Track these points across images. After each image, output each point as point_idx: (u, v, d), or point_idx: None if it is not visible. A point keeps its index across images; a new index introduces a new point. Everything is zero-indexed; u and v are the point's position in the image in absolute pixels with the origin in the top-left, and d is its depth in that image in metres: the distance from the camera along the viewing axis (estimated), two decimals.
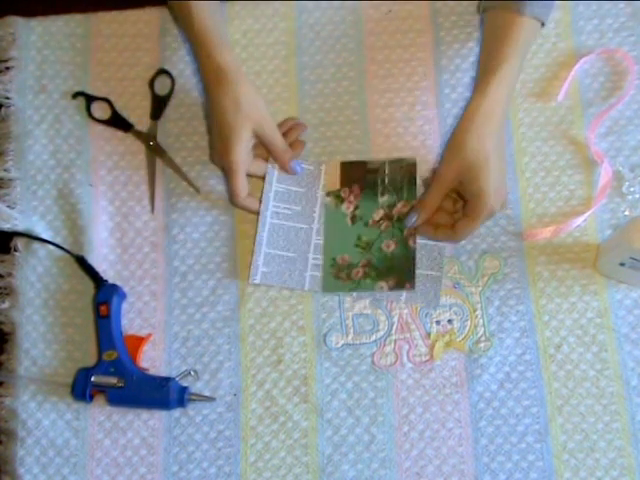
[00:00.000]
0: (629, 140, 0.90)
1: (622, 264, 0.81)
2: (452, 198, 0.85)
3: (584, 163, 0.90)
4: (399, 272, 0.87)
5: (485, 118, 0.81)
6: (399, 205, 0.88)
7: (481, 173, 0.80)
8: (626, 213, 0.88)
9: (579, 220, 0.87)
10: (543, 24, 0.86)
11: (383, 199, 0.89)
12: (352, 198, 0.89)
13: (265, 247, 0.88)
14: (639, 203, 0.88)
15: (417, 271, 0.87)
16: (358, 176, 0.89)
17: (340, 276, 0.87)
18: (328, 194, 0.89)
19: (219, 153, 0.85)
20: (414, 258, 0.87)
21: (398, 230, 0.88)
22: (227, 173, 0.85)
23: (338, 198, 0.89)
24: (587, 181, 0.89)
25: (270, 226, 0.88)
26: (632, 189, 0.88)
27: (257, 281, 0.87)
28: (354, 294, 0.87)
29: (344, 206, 0.89)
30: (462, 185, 0.82)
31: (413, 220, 0.85)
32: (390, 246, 0.88)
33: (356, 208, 0.89)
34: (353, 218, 0.89)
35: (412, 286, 0.87)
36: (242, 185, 0.84)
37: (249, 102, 0.84)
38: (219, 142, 0.84)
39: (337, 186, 0.89)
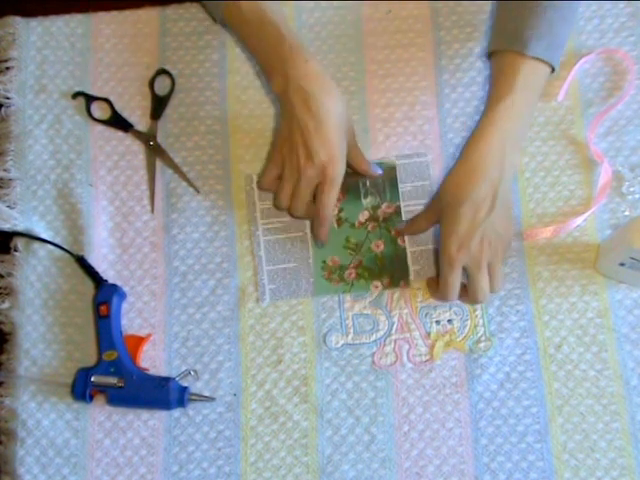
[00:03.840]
0: (629, 140, 0.90)
1: (622, 264, 0.81)
2: None
3: (584, 163, 0.90)
4: (393, 271, 0.87)
5: (471, 166, 0.80)
6: (383, 206, 0.89)
7: (447, 219, 0.80)
8: (626, 213, 0.88)
9: (579, 220, 0.87)
10: (553, 70, 0.83)
11: (367, 201, 0.89)
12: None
13: (266, 265, 0.88)
14: (639, 203, 0.88)
15: (419, 248, 0.88)
16: None
17: (332, 278, 0.88)
18: None
19: (321, 160, 0.79)
20: (406, 257, 0.88)
21: (385, 230, 0.88)
22: (326, 184, 0.80)
23: None
24: (587, 181, 0.89)
25: (265, 243, 0.88)
26: (632, 189, 0.88)
27: (267, 301, 0.87)
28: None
29: None
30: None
31: (401, 226, 0.88)
32: (379, 246, 0.88)
33: (340, 211, 0.89)
34: (339, 221, 0.89)
35: (407, 284, 0.87)
36: (335, 200, 0.82)
37: (347, 112, 0.83)
38: (322, 149, 0.79)
39: None
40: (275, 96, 0.86)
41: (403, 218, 0.89)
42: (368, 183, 0.90)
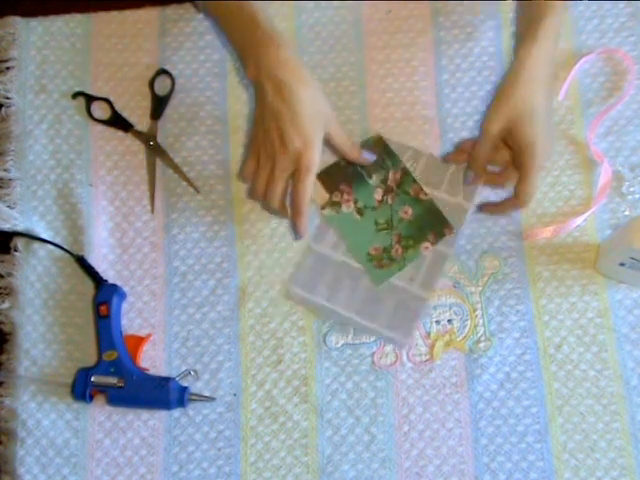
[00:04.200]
0: (629, 140, 0.90)
1: (622, 264, 0.81)
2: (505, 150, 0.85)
3: (584, 163, 0.90)
4: (433, 226, 0.88)
5: (535, 67, 0.81)
6: (390, 175, 0.90)
7: (531, 122, 0.80)
8: (626, 213, 0.88)
9: (579, 220, 0.87)
10: None
11: (373, 180, 0.90)
12: (346, 196, 0.89)
13: (325, 303, 0.87)
14: (639, 203, 0.88)
15: (440, 193, 0.89)
16: (338, 177, 0.90)
17: (383, 264, 0.87)
18: (323, 208, 0.89)
19: (296, 147, 0.79)
20: (436, 206, 0.88)
21: (404, 194, 0.89)
22: (301, 172, 0.79)
23: (335, 205, 0.89)
24: (587, 181, 0.89)
25: (311, 261, 0.88)
26: (632, 189, 0.88)
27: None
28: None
29: (344, 207, 0.89)
30: (511, 136, 0.82)
31: (470, 176, 0.87)
32: (408, 212, 0.89)
33: (356, 202, 0.89)
34: (359, 211, 0.89)
35: (451, 230, 0.88)
36: (312, 188, 0.81)
37: (324, 100, 0.82)
38: (296, 136, 0.79)
39: (326, 196, 0.90)
40: (249, 83, 0.85)
41: (413, 174, 0.89)
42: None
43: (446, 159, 0.89)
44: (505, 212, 0.88)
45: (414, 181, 0.89)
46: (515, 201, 0.84)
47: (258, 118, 0.82)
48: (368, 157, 0.89)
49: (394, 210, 0.89)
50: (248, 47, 0.82)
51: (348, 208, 0.89)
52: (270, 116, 0.80)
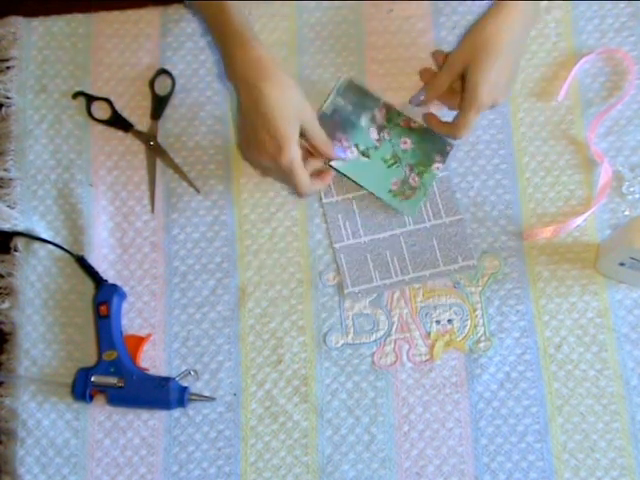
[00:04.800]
0: (629, 140, 0.90)
1: (622, 264, 0.81)
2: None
3: (584, 163, 0.90)
4: (435, 147, 0.90)
5: (510, 11, 0.82)
6: (377, 113, 0.91)
7: (485, 63, 0.82)
8: (626, 213, 0.88)
9: (579, 220, 0.87)
10: None
11: (363, 121, 0.90)
12: (346, 143, 0.90)
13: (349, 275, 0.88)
14: (639, 203, 0.88)
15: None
16: (329, 126, 0.89)
17: (407, 195, 0.89)
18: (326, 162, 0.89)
19: (272, 152, 0.80)
20: (429, 129, 0.90)
21: (397, 127, 0.90)
22: (287, 172, 0.81)
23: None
24: (587, 181, 0.89)
25: (346, 258, 0.88)
26: (632, 189, 0.88)
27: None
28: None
29: (349, 154, 0.90)
30: (466, 72, 0.83)
31: (421, 96, 0.89)
32: (407, 142, 0.90)
33: (357, 146, 0.90)
34: (364, 154, 0.90)
35: (451, 145, 0.90)
36: (306, 177, 0.82)
37: (297, 94, 0.82)
38: (270, 140, 0.79)
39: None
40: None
41: (396, 106, 0.91)
42: (349, 109, 0.90)
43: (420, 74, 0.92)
44: (442, 132, 0.89)
45: (399, 114, 0.91)
46: (452, 128, 0.87)
47: (239, 120, 0.85)
48: (340, 154, 0.88)
49: (394, 144, 0.90)
50: (222, 47, 0.83)
51: (352, 154, 0.90)
52: (247, 120, 0.81)
